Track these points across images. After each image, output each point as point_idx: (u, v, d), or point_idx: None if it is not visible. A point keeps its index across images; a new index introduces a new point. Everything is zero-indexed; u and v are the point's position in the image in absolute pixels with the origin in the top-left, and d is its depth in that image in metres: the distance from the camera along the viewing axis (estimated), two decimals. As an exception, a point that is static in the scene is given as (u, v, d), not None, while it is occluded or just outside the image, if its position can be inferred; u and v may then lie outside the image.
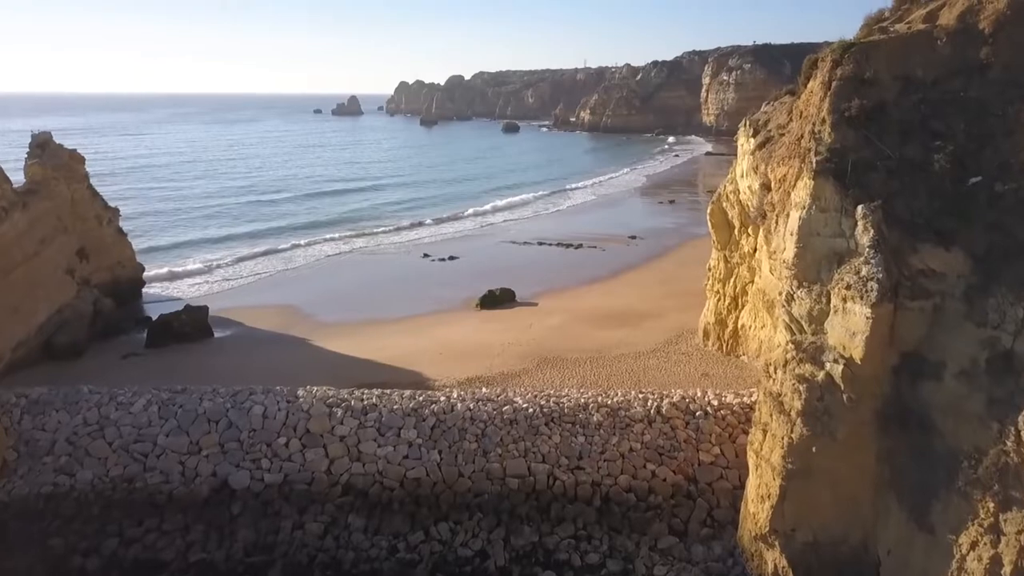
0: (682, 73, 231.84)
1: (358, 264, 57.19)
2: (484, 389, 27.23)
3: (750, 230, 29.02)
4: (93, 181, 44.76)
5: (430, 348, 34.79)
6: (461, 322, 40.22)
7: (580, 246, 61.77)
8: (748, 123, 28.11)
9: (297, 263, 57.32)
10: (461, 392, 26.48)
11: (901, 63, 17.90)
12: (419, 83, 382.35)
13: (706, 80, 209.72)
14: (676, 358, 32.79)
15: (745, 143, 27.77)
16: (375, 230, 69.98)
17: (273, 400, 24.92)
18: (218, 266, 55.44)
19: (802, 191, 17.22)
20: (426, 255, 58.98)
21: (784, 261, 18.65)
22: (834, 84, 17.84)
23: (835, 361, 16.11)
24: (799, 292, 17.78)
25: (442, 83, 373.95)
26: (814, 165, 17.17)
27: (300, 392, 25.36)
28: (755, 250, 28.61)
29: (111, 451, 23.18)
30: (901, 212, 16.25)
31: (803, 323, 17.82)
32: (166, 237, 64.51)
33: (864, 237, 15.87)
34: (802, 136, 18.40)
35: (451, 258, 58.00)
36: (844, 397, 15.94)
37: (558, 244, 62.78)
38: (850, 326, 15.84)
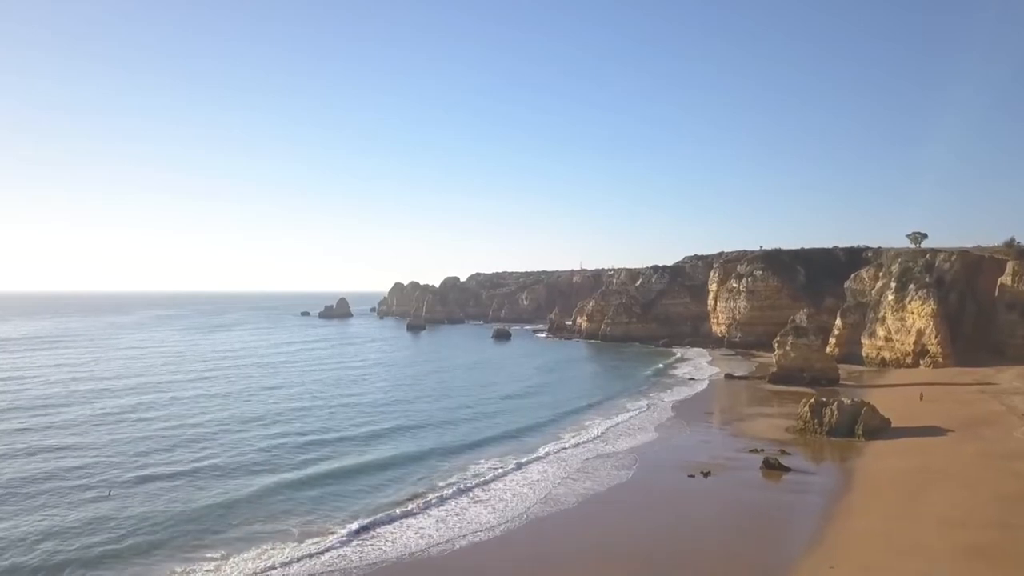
0: (685, 279, 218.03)
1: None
2: None
3: None
4: None
5: None
6: None
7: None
8: None
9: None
10: None
11: None
12: (414, 284, 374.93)
13: (713, 287, 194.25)
14: None
15: None
16: (242, 553, 43.74)
17: None
18: None
19: None
20: (299, 646, 32.87)
21: None
22: None
23: None
24: None
25: (437, 285, 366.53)
26: None
27: None
28: None
29: None
30: None
31: None
32: None
33: None
34: None
35: (341, 658, 31.86)
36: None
37: (538, 604, 36.85)
38: None
